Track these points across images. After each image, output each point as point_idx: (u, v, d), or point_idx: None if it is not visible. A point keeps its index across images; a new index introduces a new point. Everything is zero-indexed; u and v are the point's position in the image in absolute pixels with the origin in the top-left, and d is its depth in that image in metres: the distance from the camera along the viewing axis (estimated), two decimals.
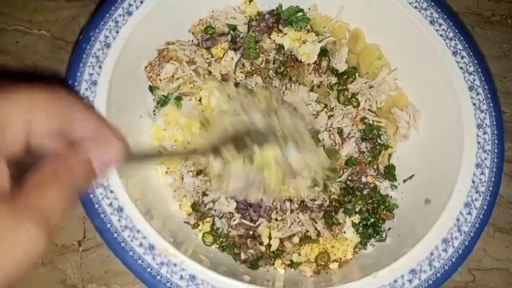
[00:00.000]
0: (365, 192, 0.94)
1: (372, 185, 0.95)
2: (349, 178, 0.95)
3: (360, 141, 0.97)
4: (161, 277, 0.73)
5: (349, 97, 0.99)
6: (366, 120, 0.99)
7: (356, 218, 0.90)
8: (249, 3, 1.04)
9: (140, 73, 0.95)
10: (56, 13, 1.07)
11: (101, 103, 0.82)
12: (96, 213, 0.75)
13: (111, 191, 0.77)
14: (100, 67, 0.84)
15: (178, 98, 0.96)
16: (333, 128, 0.97)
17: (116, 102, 0.85)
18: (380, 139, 0.98)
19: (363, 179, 0.95)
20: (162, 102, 0.96)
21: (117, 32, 0.87)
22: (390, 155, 1.00)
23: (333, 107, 0.99)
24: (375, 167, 0.97)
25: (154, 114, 0.97)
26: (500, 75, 1.17)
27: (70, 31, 1.06)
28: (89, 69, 0.84)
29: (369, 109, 1.01)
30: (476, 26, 1.20)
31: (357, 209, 0.92)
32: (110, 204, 0.76)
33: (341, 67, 1.03)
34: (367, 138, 0.97)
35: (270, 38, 1.00)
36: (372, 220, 0.91)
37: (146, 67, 0.96)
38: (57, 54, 1.04)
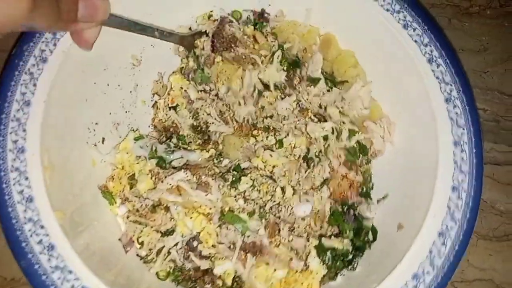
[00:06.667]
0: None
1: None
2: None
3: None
4: None
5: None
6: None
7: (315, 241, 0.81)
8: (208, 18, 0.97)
9: (87, 90, 0.86)
10: None
11: (35, 127, 0.74)
12: (23, 252, 0.67)
13: (42, 226, 0.69)
14: (34, 85, 0.76)
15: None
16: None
17: (56, 125, 0.78)
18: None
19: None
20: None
21: (54, 45, 0.79)
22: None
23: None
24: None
25: (103, 143, 0.88)
26: (479, 70, 1.08)
27: (14, 42, 0.96)
28: (22, 87, 0.76)
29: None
30: (453, 18, 1.11)
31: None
32: (40, 242, 0.68)
33: (317, 76, 0.94)
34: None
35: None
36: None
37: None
38: None
